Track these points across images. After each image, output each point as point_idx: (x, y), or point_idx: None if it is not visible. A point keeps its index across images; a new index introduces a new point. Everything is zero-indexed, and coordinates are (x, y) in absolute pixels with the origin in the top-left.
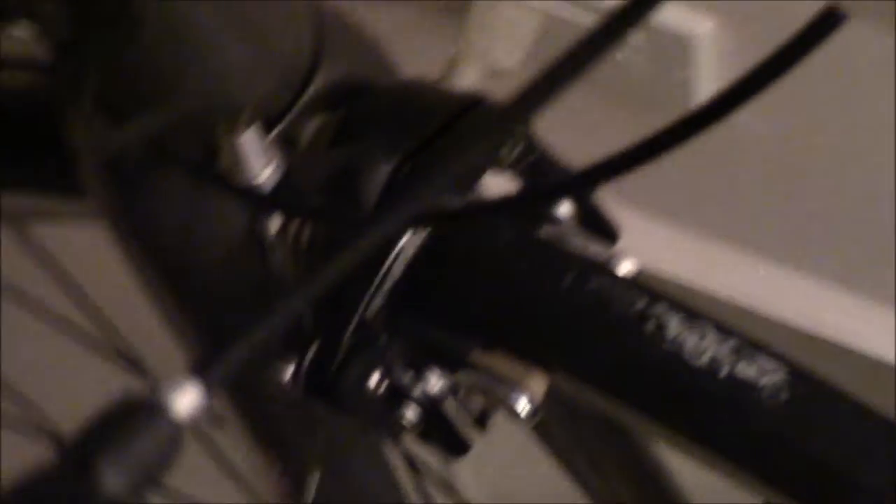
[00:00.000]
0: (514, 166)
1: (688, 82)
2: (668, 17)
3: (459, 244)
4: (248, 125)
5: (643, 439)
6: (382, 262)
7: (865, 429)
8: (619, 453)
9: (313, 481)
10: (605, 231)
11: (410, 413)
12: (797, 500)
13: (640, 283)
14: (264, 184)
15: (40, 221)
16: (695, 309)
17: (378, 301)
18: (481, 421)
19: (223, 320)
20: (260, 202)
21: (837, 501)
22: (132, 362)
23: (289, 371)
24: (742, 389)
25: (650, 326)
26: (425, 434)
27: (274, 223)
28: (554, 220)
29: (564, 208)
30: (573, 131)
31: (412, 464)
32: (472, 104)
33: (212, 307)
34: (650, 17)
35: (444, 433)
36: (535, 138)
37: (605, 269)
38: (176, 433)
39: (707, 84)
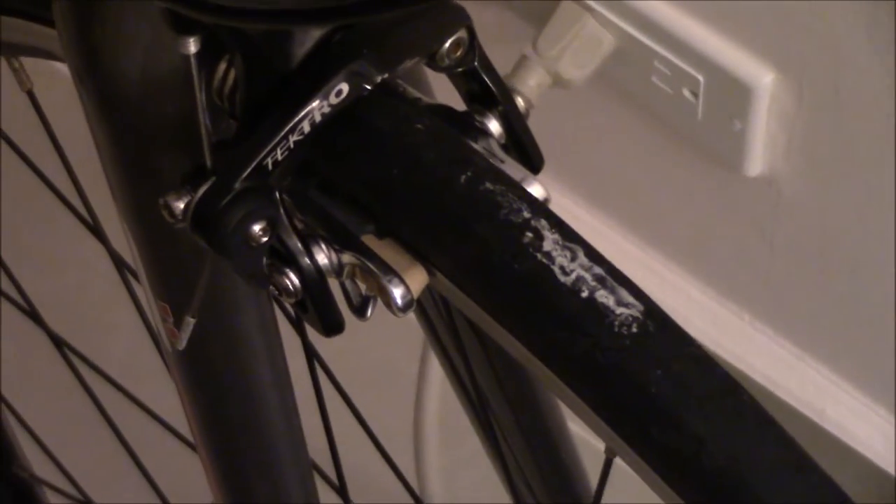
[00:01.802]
0: (450, 70)
1: (744, 133)
2: (733, 62)
3: (374, 121)
4: None
5: None
6: (291, 116)
7: (701, 376)
8: (489, 353)
9: (189, 325)
10: (530, 159)
11: (290, 279)
12: (623, 434)
13: (530, 198)
14: None
15: (24, 54)
16: (574, 233)
17: (280, 153)
18: (360, 308)
19: (150, 154)
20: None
21: (659, 438)
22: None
23: (182, 202)
24: (595, 313)
25: (528, 237)
26: (302, 304)
27: (194, 43)
28: (483, 133)
29: (494, 125)
30: (619, 156)
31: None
32: None
33: (140, 143)
34: None
35: (321, 308)
36: (479, 49)
37: (503, 175)
38: None
39: (761, 137)
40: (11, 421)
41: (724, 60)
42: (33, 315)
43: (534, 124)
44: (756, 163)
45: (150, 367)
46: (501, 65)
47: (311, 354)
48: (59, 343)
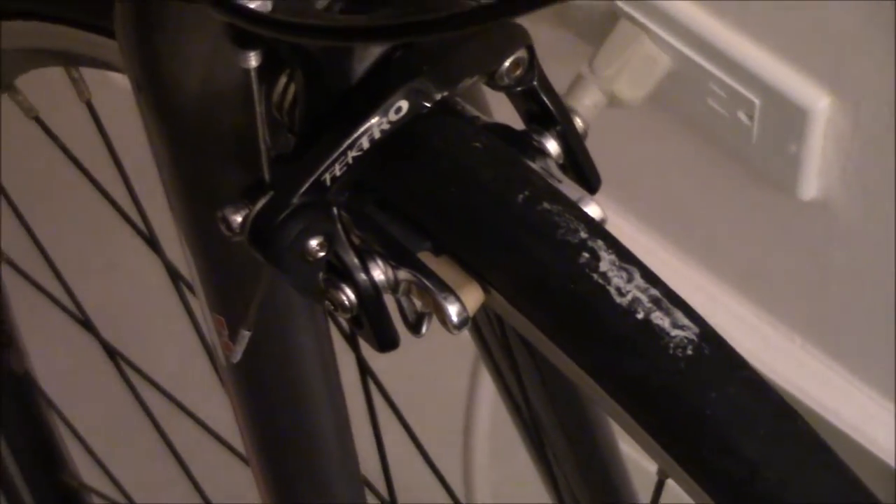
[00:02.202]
0: (509, 89)
1: (799, 157)
2: (789, 85)
3: (433, 139)
4: None
5: None
6: (351, 132)
7: (756, 400)
8: (542, 372)
9: (244, 338)
10: (587, 179)
11: (346, 294)
12: (676, 456)
13: (587, 218)
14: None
15: (83, 64)
16: (631, 253)
17: (338, 169)
18: (415, 325)
19: (209, 166)
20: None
21: (712, 461)
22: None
23: (240, 216)
24: (651, 336)
25: (585, 257)
26: (357, 321)
27: (255, 58)
28: (541, 153)
29: (552, 145)
30: (673, 177)
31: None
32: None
33: (199, 156)
34: None
35: (376, 324)
36: (538, 68)
37: (561, 195)
38: None
39: (816, 161)
40: (62, 429)
41: (780, 83)
42: (86, 324)
43: (588, 144)
44: (811, 187)
45: (202, 379)
46: (557, 83)
47: (365, 370)
48: (111, 353)
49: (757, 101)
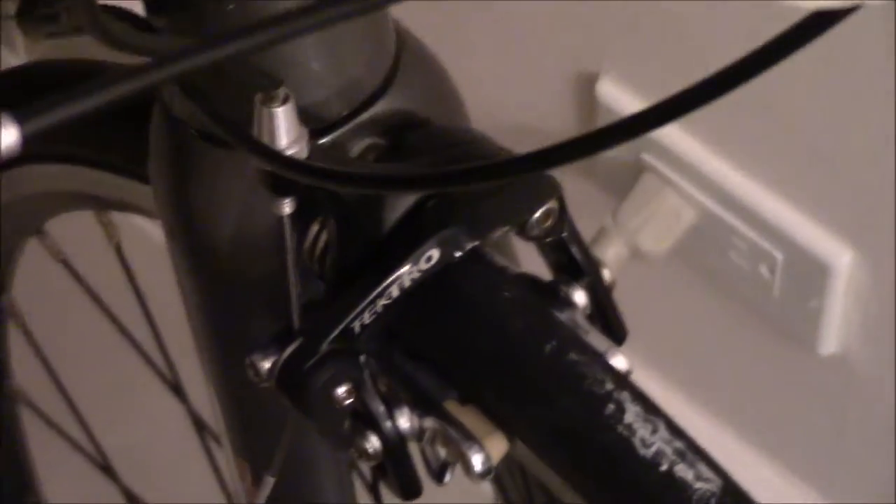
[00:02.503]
0: (539, 240)
1: (820, 312)
2: (812, 240)
3: (462, 288)
4: (284, 102)
5: None
6: (381, 281)
7: None
8: None
9: (268, 484)
10: (613, 330)
11: (371, 442)
12: None
13: (613, 370)
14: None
15: (114, 209)
16: (655, 405)
17: (367, 317)
18: (439, 474)
19: (239, 312)
20: (288, 165)
21: None
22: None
23: (269, 362)
24: (675, 488)
25: (610, 408)
26: (382, 468)
27: (288, 205)
28: (568, 304)
29: (579, 296)
30: (693, 329)
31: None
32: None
33: (229, 301)
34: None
35: (400, 472)
36: (567, 220)
37: (587, 346)
38: None
39: (837, 317)
40: None
41: (803, 238)
42: (107, 469)
43: None
44: (831, 342)
45: None
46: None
47: None
48: (131, 499)
49: (779, 256)
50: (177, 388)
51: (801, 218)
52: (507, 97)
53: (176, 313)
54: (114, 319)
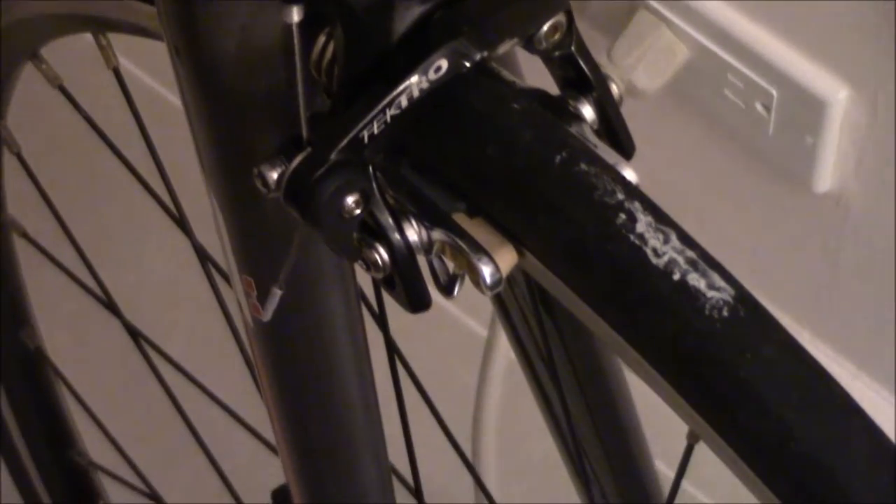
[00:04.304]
0: (546, 54)
1: (815, 149)
2: (807, 77)
3: (471, 100)
4: None
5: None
6: (390, 90)
7: (791, 362)
8: (570, 345)
9: (275, 296)
10: (622, 145)
11: (380, 253)
12: (710, 418)
13: (624, 180)
14: None
15: (114, 30)
16: (667, 216)
17: (376, 127)
18: (447, 286)
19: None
20: None
21: (746, 424)
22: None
23: (276, 172)
24: (687, 296)
25: (622, 218)
26: (389, 280)
27: (297, 12)
28: (577, 118)
29: (587, 111)
30: (687, 168)
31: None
32: None
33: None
34: None
35: (408, 284)
36: (576, 33)
37: (598, 157)
38: None
39: (832, 154)
40: (73, 408)
41: (799, 75)
42: (109, 304)
43: None
44: (825, 179)
45: (224, 361)
46: None
47: (393, 350)
48: (134, 334)
49: (775, 93)
50: (181, 221)
51: (797, 54)
52: None
53: (178, 141)
54: (112, 146)
